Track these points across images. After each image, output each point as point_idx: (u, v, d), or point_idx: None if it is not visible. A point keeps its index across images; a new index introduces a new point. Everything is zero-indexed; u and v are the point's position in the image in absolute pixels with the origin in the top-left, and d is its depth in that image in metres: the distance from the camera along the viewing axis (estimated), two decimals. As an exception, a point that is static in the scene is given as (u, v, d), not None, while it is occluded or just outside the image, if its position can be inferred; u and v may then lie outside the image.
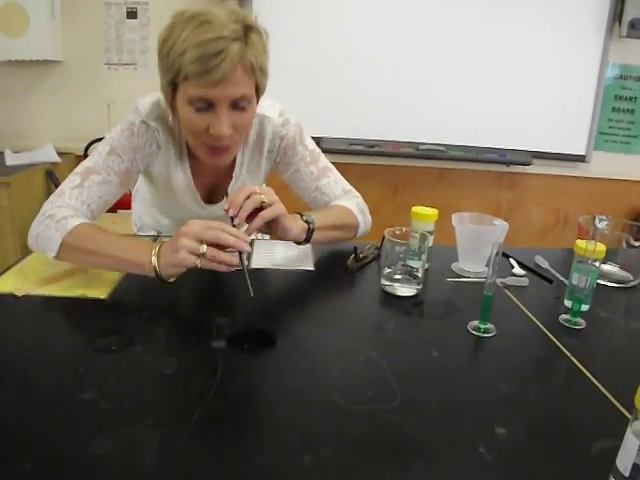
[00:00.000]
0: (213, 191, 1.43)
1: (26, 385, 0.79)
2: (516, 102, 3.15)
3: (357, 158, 3.13)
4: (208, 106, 1.10)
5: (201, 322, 1.00)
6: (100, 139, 2.85)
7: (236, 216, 1.06)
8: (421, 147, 3.12)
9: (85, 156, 2.96)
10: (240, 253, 1.02)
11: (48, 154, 2.98)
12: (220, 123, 1.10)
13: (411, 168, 3.25)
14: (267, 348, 0.93)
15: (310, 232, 1.24)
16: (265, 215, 1.10)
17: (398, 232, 1.18)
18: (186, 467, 0.65)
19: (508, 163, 3.23)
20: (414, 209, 1.31)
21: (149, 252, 1.02)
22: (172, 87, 1.11)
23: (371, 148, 3.09)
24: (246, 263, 1.02)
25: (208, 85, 1.06)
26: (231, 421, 0.74)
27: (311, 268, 1.29)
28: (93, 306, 1.03)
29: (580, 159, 3.29)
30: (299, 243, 1.25)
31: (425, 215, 1.29)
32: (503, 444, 0.72)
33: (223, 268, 1.00)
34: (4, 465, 0.63)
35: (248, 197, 1.07)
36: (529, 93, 3.14)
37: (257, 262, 1.26)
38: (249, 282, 0.99)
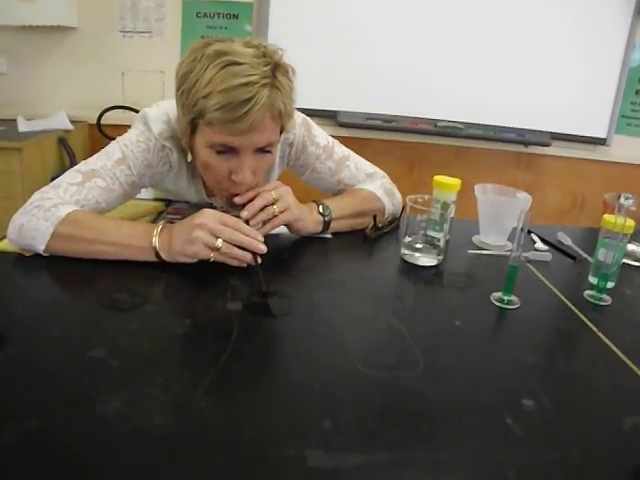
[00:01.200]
0: None
1: (33, 342, 0.77)
2: (537, 81, 3.08)
3: (374, 133, 3.07)
4: (230, 150, 1.04)
5: (216, 284, 0.96)
6: (113, 107, 2.86)
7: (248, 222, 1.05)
8: (439, 124, 3.06)
9: (99, 125, 2.93)
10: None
11: (61, 122, 2.95)
12: (243, 171, 1.05)
13: (428, 145, 3.19)
14: (284, 312, 0.90)
15: (327, 223, 1.22)
16: (276, 223, 1.09)
17: (420, 200, 1.14)
18: (197, 429, 0.62)
19: (527, 143, 3.18)
20: (436, 178, 1.27)
21: (151, 235, 0.99)
22: (192, 127, 1.05)
23: (388, 123, 3.03)
24: (259, 261, 0.99)
25: (233, 133, 1.00)
26: (246, 384, 0.71)
27: (329, 236, 1.25)
28: (104, 265, 0.99)
29: (600, 142, 3.22)
30: (316, 233, 1.22)
31: (447, 184, 1.25)
32: (531, 416, 0.69)
33: (235, 263, 0.98)
34: (8, 422, 0.60)
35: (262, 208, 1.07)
36: (551, 72, 3.07)
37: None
38: (261, 277, 0.96)
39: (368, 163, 1.43)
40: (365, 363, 0.76)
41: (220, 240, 0.95)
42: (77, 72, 3.10)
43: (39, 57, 3.06)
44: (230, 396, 0.68)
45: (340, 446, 0.60)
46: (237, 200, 1.07)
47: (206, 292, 0.95)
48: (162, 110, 1.17)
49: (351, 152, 1.40)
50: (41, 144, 2.76)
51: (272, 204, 1.08)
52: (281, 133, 1.11)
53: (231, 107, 0.96)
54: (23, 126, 2.82)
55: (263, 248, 0.98)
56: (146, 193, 1.53)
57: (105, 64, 3.08)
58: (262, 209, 1.07)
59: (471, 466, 0.60)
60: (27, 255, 1.01)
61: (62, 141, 2.87)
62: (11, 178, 2.55)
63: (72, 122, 2.98)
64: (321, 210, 1.21)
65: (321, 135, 1.34)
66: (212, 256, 0.96)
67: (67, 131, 2.94)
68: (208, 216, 0.97)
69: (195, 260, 0.97)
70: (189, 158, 1.17)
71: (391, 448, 0.61)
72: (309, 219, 1.18)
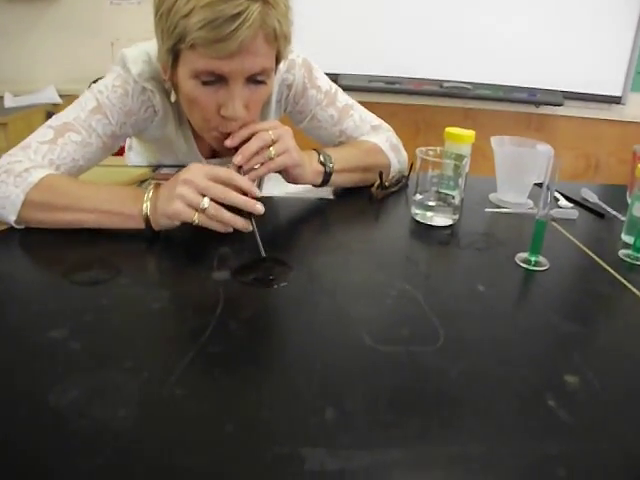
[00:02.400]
0: (218, 152, 1.23)
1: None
2: (548, 37, 2.92)
3: (377, 96, 2.91)
4: (218, 79, 0.90)
5: (201, 251, 0.84)
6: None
7: (242, 167, 0.91)
8: (446, 84, 2.91)
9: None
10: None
11: (49, 96, 2.85)
12: (233, 103, 0.91)
13: (434, 107, 3.05)
14: (279, 281, 0.78)
15: (327, 175, 1.08)
16: (272, 166, 0.95)
17: (432, 152, 1.02)
18: (169, 423, 0.50)
19: (538, 103, 3.03)
20: (448, 130, 1.15)
21: (140, 200, 0.86)
22: (173, 55, 0.90)
23: (392, 85, 2.89)
24: (254, 225, 0.85)
25: (221, 56, 0.85)
26: (232, 366, 0.59)
27: (330, 196, 1.13)
28: (78, 234, 0.87)
29: (615, 100, 3.06)
30: (315, 186, 1.09)
31: (461, 136, 1.13)
32: (577, 396, 0.57)
33: (220, 228, 0.84)
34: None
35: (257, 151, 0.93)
36: (562, 28, 2.91)
37: (267, 190, 1.10)
38: (259, 241, 0.82)
39: (373, 115, 1.30)
40: (374, 337, 0.64)
41: (207, 200, 0.81)
42: (64, 44, 2.99)
43: (24, 29, 2.95)
44: (211, 382, 0.56)
45: (345, 442, 0.48)
46: (228, 142, 0.93)
47: (189, 261, 0.83)
48: (142, 50, 1.04)
49: (355, 102, 1.26)
50: (28, 119, 2.65)
51: (269, 146, 0.94)
52: (277, 62, 0.97)
53: (217, 24, 0.82)
54: (10, 102, 2.73)
55: (260, 208, 0.83)
56: (136, 157, 1.40)
57: (93, 34, 2.96)
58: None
59: (509, 462, 0.48)
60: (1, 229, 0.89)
61: (50, 115, 2.74)
62: (-3, 155, 2.45)
63: (61, 96, 2.87)
64: (322, 159, 1.07)
65: (323, 79, 1.21)
66: (196, 218, 0.82)
67: (56, 105, 2.83)
68: (195, 171, 0.83)
69: (177, 223, 0.84)
70: (173, 98, 1.03)
71: (408, 443, 0.49)
72: (308, 168, 1.04)
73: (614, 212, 1.17)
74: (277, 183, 1.04)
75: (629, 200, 1.07)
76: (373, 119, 1.28)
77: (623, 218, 1.10)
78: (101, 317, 0.67)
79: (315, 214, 1.08)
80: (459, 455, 0.48)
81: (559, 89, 3.00)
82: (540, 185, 1.21)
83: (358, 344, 0.63)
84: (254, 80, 0.92)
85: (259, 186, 1.14)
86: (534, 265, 0.86)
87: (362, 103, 1.28)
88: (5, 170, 0.90)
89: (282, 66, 1.12)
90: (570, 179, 3.22)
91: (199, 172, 0.83)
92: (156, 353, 0.61)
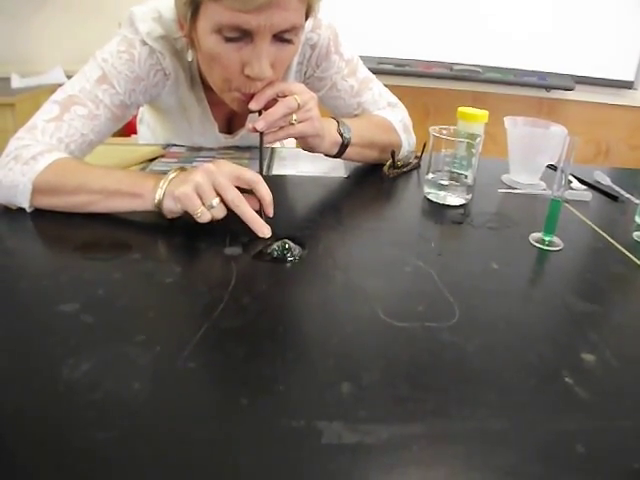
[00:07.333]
0: (233, 118, 1.21)
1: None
2: (559, 21, 2.88)
3: (386, 78, 2.77)
4: (243, 35, 0.82)
5: (213, 228, 0.81)
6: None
7: (264, 131, 0.87)
8: (455, 67, 2.89)
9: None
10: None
11: (57, 77, 2.85)
12: (260, 61, 0.84)
13: (444, 90, 3.03)
14: (293, 257, 0.77)
15: (343, 147, 1.04)
16: (291, 132, 0.91)
17: (445, 131, 1.01)
18: (183, 396, 0.50)
19: (548, 88, 3.00)
20: (460, 109, 1.14)
21: (153, 180, 0.82)
22: (193, 8, 0.83)
23: (401, 67, 2.87)
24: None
25: (248, 9, 0.77)
26: (245, 340, 0.58)
27: (343, 175, 1.12)
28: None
29: (627, 85, 3.03)
30: (328, 156, 1.06)
31: (474, 115, 1.12)
32: (594, 374, 0.56)
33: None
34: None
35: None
36: (574, 11, 2.87)
37: (278, 169, 1.09)
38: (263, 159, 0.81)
39: (390, 92, 1.27)
40: (389, 313, 0.63)
41: (217, 200, 0.77)
42: (71, 25, 2.97)
43: (30, 9, 2.93)
44: (224, 356, 0.56)
45: (362, 416, 0.48)
46: (253, 106, 0.89)
47: (201, 237, 0.81)
48: (152, 7, 0.98)
49: (374, 76, 1.23)
50: (36, 100, 2.63)
51: (292, 112, 0.90)
52: (306, 18, 0.90)
53: None
54: (17, 82, 2.74)
55: (267, 232, 0.80)
56: (146, 132, 1.38)
57: (100, 15, 2.92)
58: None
59: (528, 438, 0.47)
60: (14, 208, 0.88)
61: (58, 95, 2.76)
62: (4, 136, 2.40)
63: (68, 77, 2.83)
64: (341, 130, 1.03)
65: (346, 47, 1.16)
66: (199, 212, 0.77)
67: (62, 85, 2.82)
68: (221, 165, 0.79)
69: (179, 208, 0.79)
70: (190, 57, 0.97)
71: (426, 418, 0.49)
72: (327, 137, 1.00)
73: (627, 195, 1.16)
74: (290, 162, 1.02)
75: (644, 183, 1.07)
76: (390, 96, 1.26)
77: (637, 201, 1.09)
78: (113, 291, 0.66)
79: (327, 193, 1.06)
80: (477, 430, 0.48)
81: (570, 73, 2.97)
82: (552, 167, 1.20)
83: (373, 319, 0.62)
84: (281, 38, 0.85)
85: (269, 166, 1.12)
86: (548, 245, 0.85)
87: (371, 85, 1.26)
88: (14, 157, 0.88)
89: (307, 24, 1.03)
90: (580, 164, 3.20)
91: (224, 168, 0.79)
92: (169, 327, 0.61)
